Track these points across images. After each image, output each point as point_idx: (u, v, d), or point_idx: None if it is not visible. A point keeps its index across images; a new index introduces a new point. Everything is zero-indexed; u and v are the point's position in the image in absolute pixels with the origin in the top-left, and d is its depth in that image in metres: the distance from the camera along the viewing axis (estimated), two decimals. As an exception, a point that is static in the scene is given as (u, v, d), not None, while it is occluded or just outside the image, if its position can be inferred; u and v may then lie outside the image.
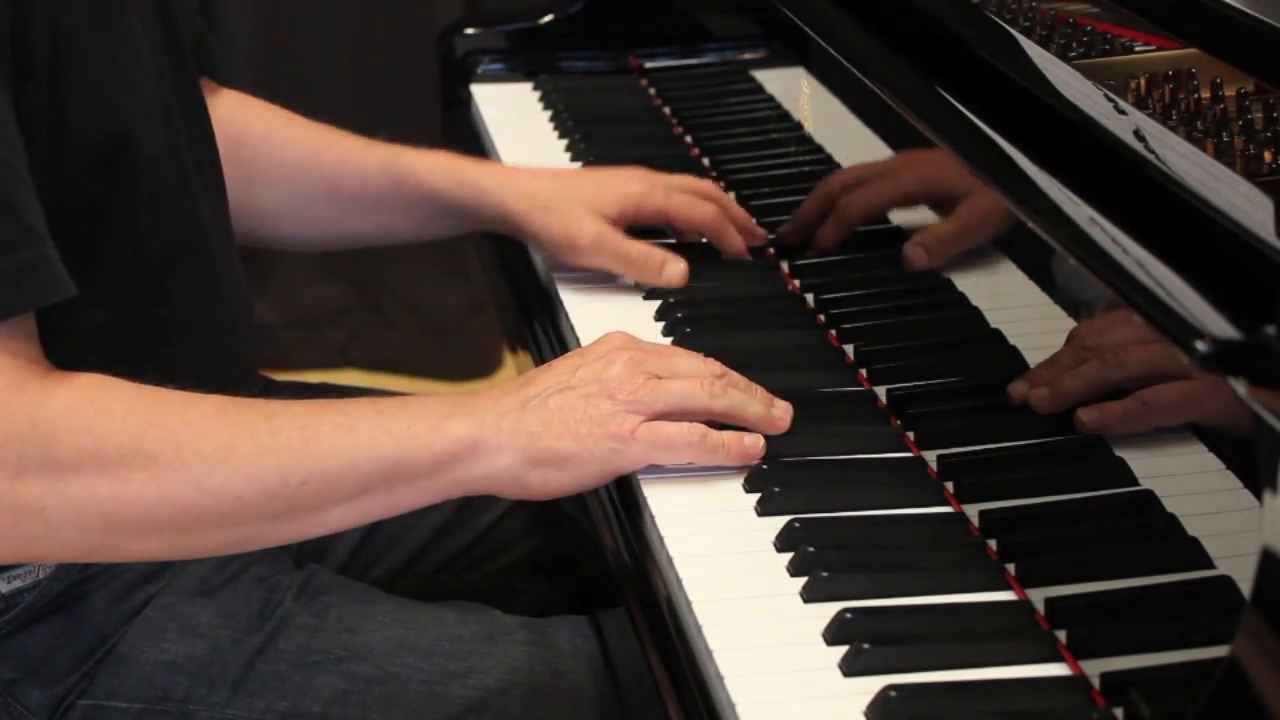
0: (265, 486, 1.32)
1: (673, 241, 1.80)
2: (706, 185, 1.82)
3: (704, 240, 1.79)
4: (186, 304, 1.39)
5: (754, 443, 1.41)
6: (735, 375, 1.44)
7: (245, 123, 1.79)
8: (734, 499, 1.40)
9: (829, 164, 1.81)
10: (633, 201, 1.75)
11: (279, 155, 1.80)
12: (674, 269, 1.71)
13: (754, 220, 1.82)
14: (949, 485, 1.40)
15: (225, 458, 1.31)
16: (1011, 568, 1.29)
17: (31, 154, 1.35)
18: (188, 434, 1.31)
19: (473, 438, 1.35)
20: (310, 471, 1.32)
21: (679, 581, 1.30)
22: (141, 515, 1.30)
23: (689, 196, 1.78)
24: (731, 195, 1.92)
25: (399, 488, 1.35)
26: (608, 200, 1.74)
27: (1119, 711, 1.15)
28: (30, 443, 1.28)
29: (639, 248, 1.72)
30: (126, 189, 1.43)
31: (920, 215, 1.64)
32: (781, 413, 1.44)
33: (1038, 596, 1.26)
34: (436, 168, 1.79)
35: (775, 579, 1.30)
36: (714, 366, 1.43)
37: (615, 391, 1.38)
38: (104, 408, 1.31)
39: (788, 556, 1.32)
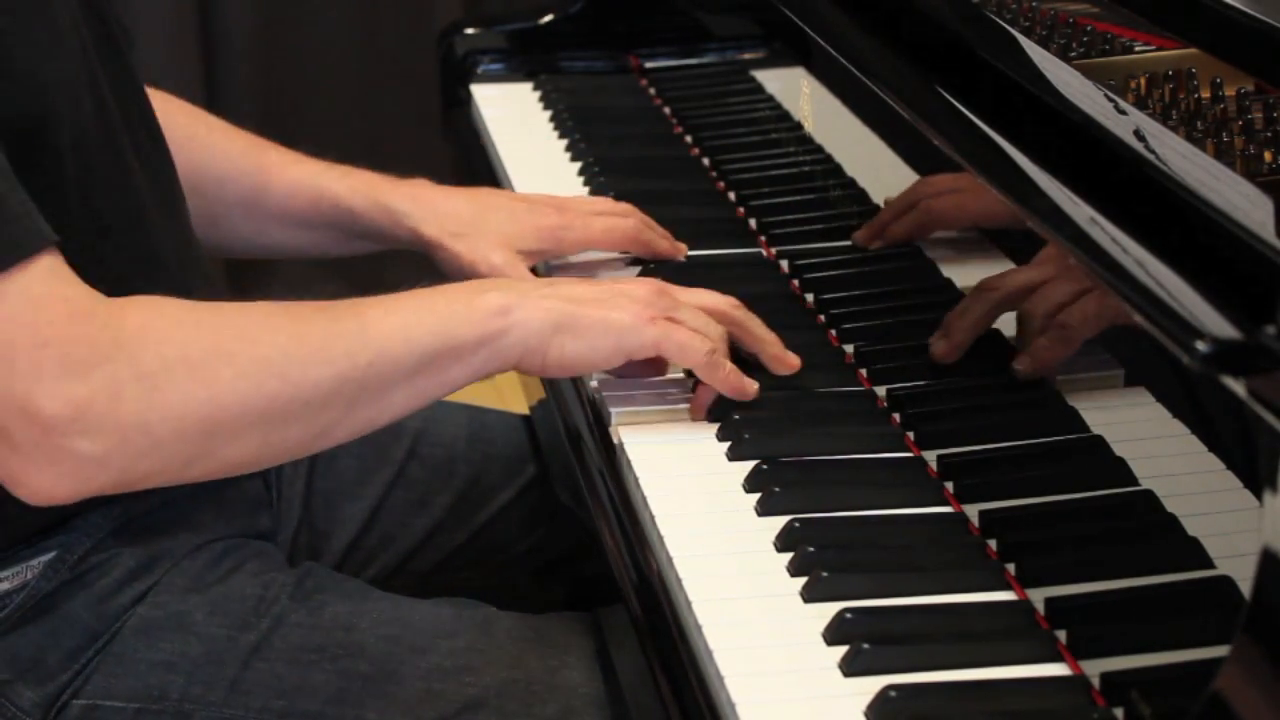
0: (338, 371, 1.38)
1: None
2: (624, 206, 1.78)
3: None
4: (125, 272, 1.38)
5: (751, 384, 1.48)
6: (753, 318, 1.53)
7: (165, 127, 1.70)
8: (734, 499, 1.40)
9: (829, 164, 1.81)
10: (553, 235, 1.74)
11: (196, 163, 1.76)
12: None
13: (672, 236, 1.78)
14: (949, 485, 1.39)
15: (299, 346, 1.38)
16: (1011, 568, 1.29)
17: None
18: (259, 330, 1.38)
19: (505, 305, 1.43)
20: (374, 352, 1.40)
21: (679, 581, 1.30)
22: (235, 412, 1.36)
23: (608, 218, 1.75)
24: (732, 196, 1.92)
25: (449, 364, 1.42)
26: (524, 233, 1.73)
27: (1119, 711, 1.14)
28: (119, 361, 1.32)
29: None
30: (49, 166, 1.42)
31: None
32: (787, 354, 1.52)
33: (1038, 596, 1.26)
34: (354, 189, 1.78)
35: (775, 579, 1.30)
36: (733, 301, 1.52)
37: (640, 290, 1.47)
38: (174, 319, 1.36)
39: (788, 556, 1.31)
